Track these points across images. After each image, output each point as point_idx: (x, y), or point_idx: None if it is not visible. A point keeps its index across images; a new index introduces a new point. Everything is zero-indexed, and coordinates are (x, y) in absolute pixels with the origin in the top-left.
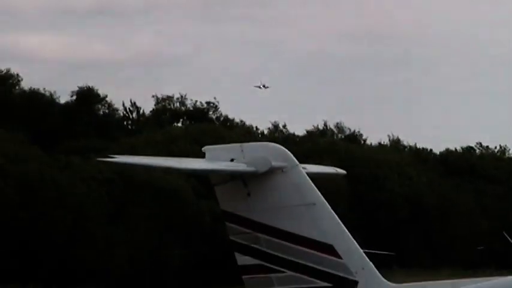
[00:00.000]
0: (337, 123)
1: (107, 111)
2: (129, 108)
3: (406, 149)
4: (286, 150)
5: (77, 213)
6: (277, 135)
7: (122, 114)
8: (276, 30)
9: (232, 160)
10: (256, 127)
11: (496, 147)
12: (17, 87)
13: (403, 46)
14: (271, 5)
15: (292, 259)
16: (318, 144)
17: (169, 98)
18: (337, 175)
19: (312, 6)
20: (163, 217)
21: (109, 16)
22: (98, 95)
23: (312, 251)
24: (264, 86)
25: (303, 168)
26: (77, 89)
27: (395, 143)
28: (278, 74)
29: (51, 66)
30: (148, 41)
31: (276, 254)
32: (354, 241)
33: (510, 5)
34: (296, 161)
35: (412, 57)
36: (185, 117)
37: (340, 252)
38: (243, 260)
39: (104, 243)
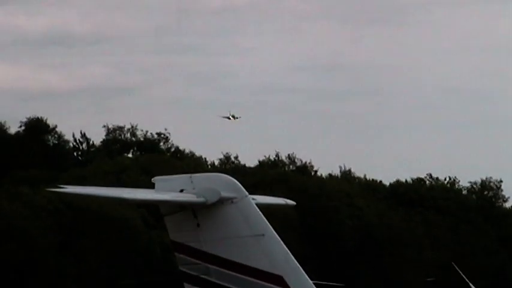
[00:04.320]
0: (289, 154)
1: (56, 141)
2: (79, 139)
3: (356, 180)
4: (236, 181)
5: (27, 245)
6: (228, 166)
7: (71, 145)
8: (227, 61)
9: (181, 191)
10: (205, 158)
11: (445, 179)
12: None
13: (355, 78)
14: (223, 36)
15: None
16: (268, 175)
17: (120, 129)
18: (286, 206)
19: (264, 38)
20: (113, 247)
21: (60, 46)
22: (48, 125)
23: (262, 282)
24: (233, 116)
25: (252, 199)
26: (26, 119)
27: (346, 174)
28: (230, 105)
29: (1, 96)
30: (99, 72)
31: (226, 285)
32: (304, 272)
33: (460, 39)
34: (246, 192)
35: (363, 89)
36: (135, 148)
37: (290, 284)
38: None
39: (55, 276)
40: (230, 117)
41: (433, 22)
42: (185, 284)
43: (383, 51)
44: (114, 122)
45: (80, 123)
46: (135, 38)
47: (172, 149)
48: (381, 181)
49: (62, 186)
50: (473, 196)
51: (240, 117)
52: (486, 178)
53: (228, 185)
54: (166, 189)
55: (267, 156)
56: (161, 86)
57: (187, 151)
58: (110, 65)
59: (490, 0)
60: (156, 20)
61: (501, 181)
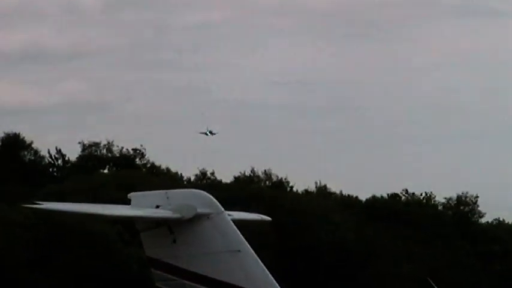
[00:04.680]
0: (265, 170)
1: (33, 157)
2: (54, 155)
3: (332, 196)
4: (212, 197)
5: (1, 261)
6: (204, 182)
7: (47, 161)
8: (203, 77)
9: (157, 207)
10: (181, 174)
11: (421, 194)
12: None
13: (331, 94)
14: (199, 52)
15: None
16: (244, 191)
17: (96, 145)
18: (262, 222)
19: (240, 54)
20: (90, 263)
21: (37, 62)
22: (24, 141)
23: None
24: (210, 132)
25: (228, 215)
26: (2, 134)
27: (322, 190)
28: (205, 121)
29: None
30: (75, 88)
31: None
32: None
33: (437, 55)
34: (221, 208)
35: (339, 105)
36: (112, 164)
37: None
38: None
39: None
40: (208, 132)
41: (411, 38)
42: None
43: (359, 67)
44: (90, 138)
45: (56, 139)
46: (111, 54)
47: (148, 165)
48: (357, 197)
49: (39, 202)
50: (449, 212)
51: (217, 132)
52: (462, 193)
53: (204, 201)
54: (143, 205)
55: (243, 172)
56: (137, 102)
57: (163, 167)
58: (86, 81)
59: (470, 17)
60: (131, 36)
61: (477, 196)
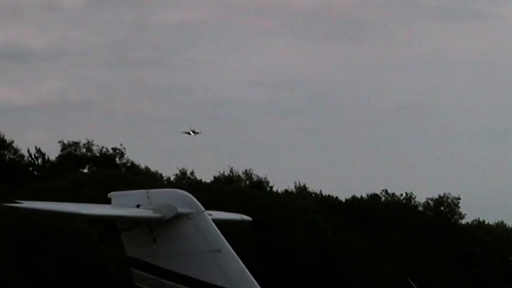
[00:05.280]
0: (246, 170)
1: (12, 156)
2: (34, 155)
3: (312, 196)
4: (192, 197)
5: None
6: (184, 181)
7: (27, 160)
8: (182, 76)
9: (138, 206)
10: (161, 174)
11: (401, 195)
12: None
13: (311, 94)
14: (179, 51)
15: None
16: (224, 191)
17: (76, 144)
18: (242, 221)
19: (220, 53)
20: (69, 262)
21: (16, 61)
22: (5, 140)
23: None
24: (193, 131)
25: (209, 214)
26: None
27: (302, 190)
28: (185, 120)
29: None
30: (55, 87)
31: None
32: None
33: (418, 55)
34: (202, 207)
35: (319, 105)
36: (91, 163)
37: None
38: None
39: None
40: (191, 132)
41: (390, 38)
42: None
43: (340, 67)
44: (69, 137)
45: (36, 138)
46: (90, 52)
47: (128, 164)
48: (336, 197)
49: (19, 201)
50: (429, 212)
51: (200, 132)
52: (444, 194)
53: (184, 201)
54: (123, 205)
55: (222, 172)
56: (116, 101)
57: (142, 166)
58: (66, 80)
59: (449, 18)
60: (111, 35)
61: (459, 198)
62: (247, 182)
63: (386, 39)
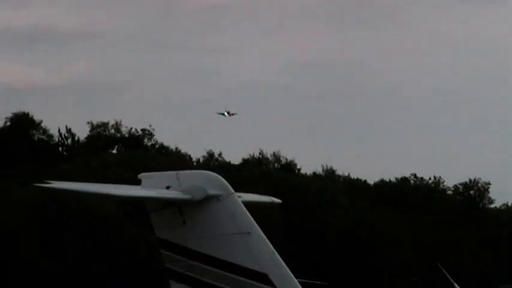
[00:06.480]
0: (274, 152)
1: (42, 136)
2: (64, 135)
3: (340, 179)
4: (222, 179)
5: (9, 240)
6: (213, 163)
7: (57, 140)
8: (212, 59)
9: (168, 188)
10: (190, 155)
11: (430, 178)
12: None
13: (341, 78)
14: (208, 34)
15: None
16: (253, 173)
17: (105, 125)
18: (272, 204)
19: (250, 37)
20: (97, 243)
21: (46, 42)
22: (33, 120)
23: (247, 280)
24: (228, 113)
25: (238, 196)
26: (11, 114)
27: (330, 173)
28: (215, 103)
29: None
30: (84, 68)
31: (211, 282)
32: (289, 270)
33: (447, 41)
34: (232, 189)
35: (349, 89)
36: (120, 144)
37: (274, 281)
38: (177, 287)
39: (38, 271)
40: (225, 113)
41: (418, 24)
42: (170, 281)
43: (369, 52)
44: (98, 118)
45: (65, 118)
46: (121, 35)
47: (157, 146)
48: (365, 180)
49: (48, 181)
50: (458, 197)
51: (236, 113)
52: (474, 179)
53: (214, 183)
54: (153, 186)
55: (251, 154)
56: (146, 83)
57: (172, 147)
58: (96, 62)
59: (478, 3)
60: (142, 18)
61: (489, 183)
62: (276, 164)
63: (415, 24)
